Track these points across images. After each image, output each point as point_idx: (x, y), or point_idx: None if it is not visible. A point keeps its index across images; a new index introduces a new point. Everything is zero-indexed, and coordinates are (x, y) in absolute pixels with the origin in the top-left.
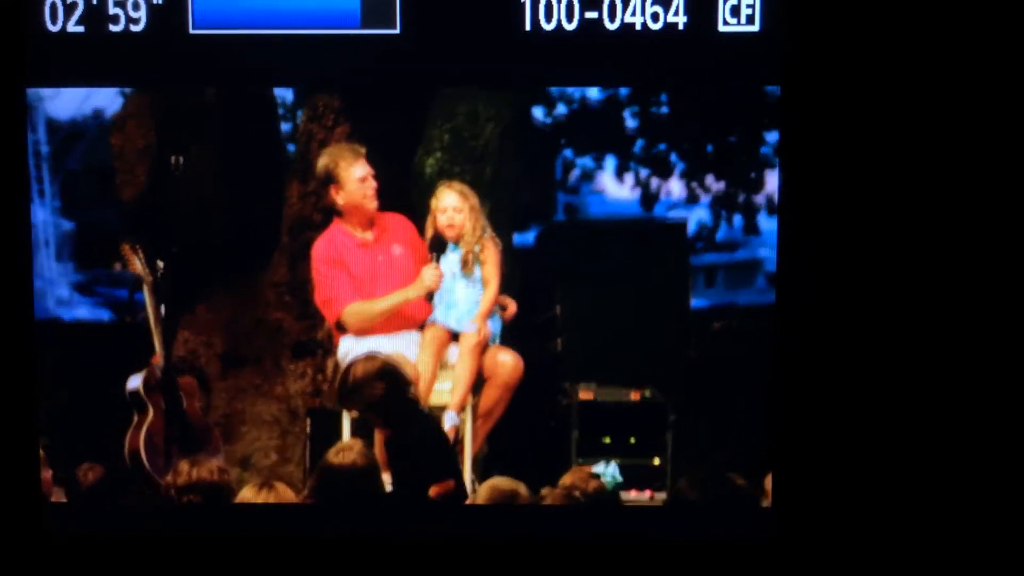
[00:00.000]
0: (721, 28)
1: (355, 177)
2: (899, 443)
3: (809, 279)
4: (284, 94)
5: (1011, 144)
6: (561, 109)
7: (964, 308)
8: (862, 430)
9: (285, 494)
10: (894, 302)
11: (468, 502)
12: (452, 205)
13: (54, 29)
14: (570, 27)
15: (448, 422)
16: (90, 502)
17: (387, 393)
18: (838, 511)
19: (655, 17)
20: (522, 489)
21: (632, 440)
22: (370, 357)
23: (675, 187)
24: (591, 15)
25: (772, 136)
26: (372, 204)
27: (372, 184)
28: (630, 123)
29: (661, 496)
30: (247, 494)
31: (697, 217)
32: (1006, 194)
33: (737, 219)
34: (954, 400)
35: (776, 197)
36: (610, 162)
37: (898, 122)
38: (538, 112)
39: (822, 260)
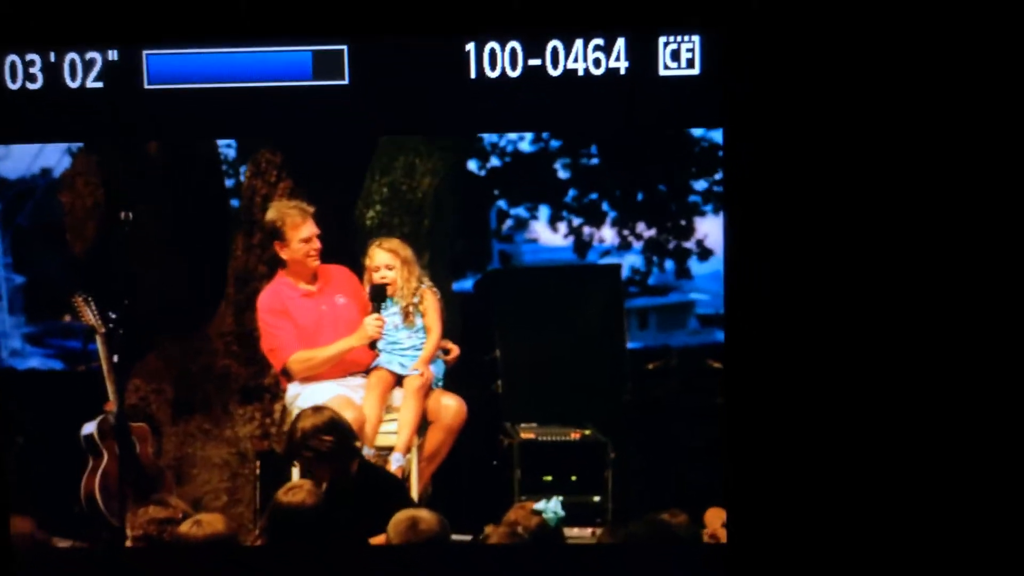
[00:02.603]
0: (662, 72)
1: (300, 237)
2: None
3: (754, 317)
4: (227, 152)
5: (956, 175)
6: (495, 161)
7: (907, 336)
8: (811, 463)
9: (212, 524)
10: (838, 334)
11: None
12: (384, 263)
13: (13, 87)
14: (514, 74)
15: (394, 463)
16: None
17: (334, 444)
18: (788, 547)
19: (597, 63)
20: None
21: (573, 478)
22: (316, 410)
23: (607, 234)
24: (534, 62)
25: (700, 184)
26: (314, 263)
27: (316, 245)
28: (562, 174)
29: (603, 532)
30: (183, 528)
31: (630, 262)
32: (953, 227)
33: (668, 264)
34: (901, 428)
35: (706, 242)
36: (543, 211)
37: (838, 160)
38: (473, 165)
39: (766, 295)
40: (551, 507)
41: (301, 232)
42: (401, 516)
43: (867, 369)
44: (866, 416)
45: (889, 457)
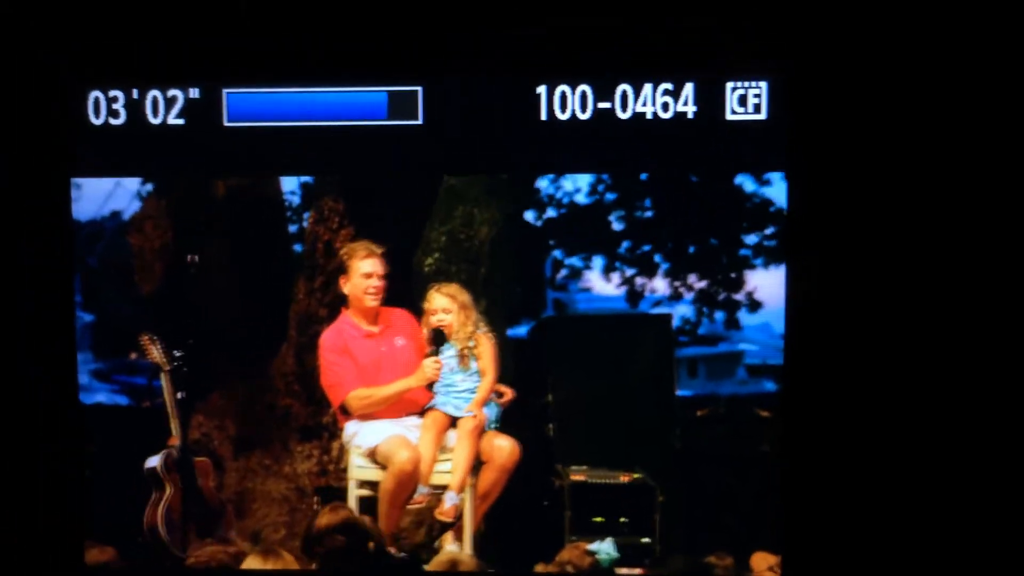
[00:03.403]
0: (729, 117)
1: (360, 271)
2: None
3: (811, 364)
4: (292, 198)
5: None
6: (551, 212)
7: (960, 382)
8: (863, 509)
9: (290, 562)
10: (893, 382)
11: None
12: (441, 307)
13: (97, 123)
14: (584, 117)
15: (449, 501)
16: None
17: (347, 545)
18: None
19: (665, 107)
20: (463, 557)
21: (623, 520)
22: (334, 509)
23: (659, 285)
24: (604, 105)
25: (751, 238)
26: (371, 302)
27: (376, 283)
28: (616, 225)
29: (652, 573)
30: (252, 562)
31: (680, 313)
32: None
33: (719, 315)
34: (950, 473)
35: (755, 294)
36: (598, 261)
37: (904, 206)
38: (529, 215)
39: (823, 342)
40: (605, 548)
41: (362, 266)
42: (442, 558)
43: (920, 418)
44: (918, 463)
45: (939, 504)
